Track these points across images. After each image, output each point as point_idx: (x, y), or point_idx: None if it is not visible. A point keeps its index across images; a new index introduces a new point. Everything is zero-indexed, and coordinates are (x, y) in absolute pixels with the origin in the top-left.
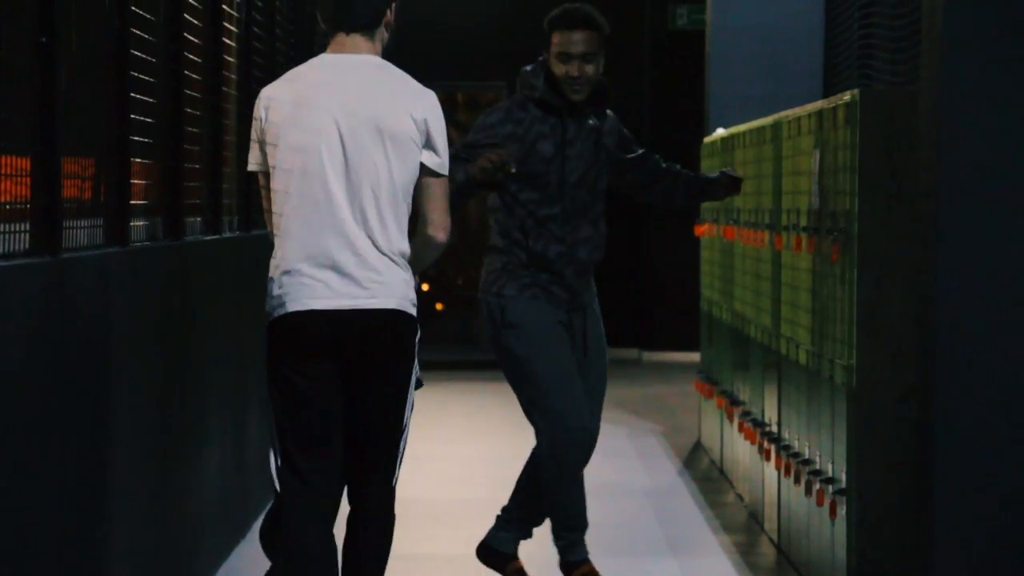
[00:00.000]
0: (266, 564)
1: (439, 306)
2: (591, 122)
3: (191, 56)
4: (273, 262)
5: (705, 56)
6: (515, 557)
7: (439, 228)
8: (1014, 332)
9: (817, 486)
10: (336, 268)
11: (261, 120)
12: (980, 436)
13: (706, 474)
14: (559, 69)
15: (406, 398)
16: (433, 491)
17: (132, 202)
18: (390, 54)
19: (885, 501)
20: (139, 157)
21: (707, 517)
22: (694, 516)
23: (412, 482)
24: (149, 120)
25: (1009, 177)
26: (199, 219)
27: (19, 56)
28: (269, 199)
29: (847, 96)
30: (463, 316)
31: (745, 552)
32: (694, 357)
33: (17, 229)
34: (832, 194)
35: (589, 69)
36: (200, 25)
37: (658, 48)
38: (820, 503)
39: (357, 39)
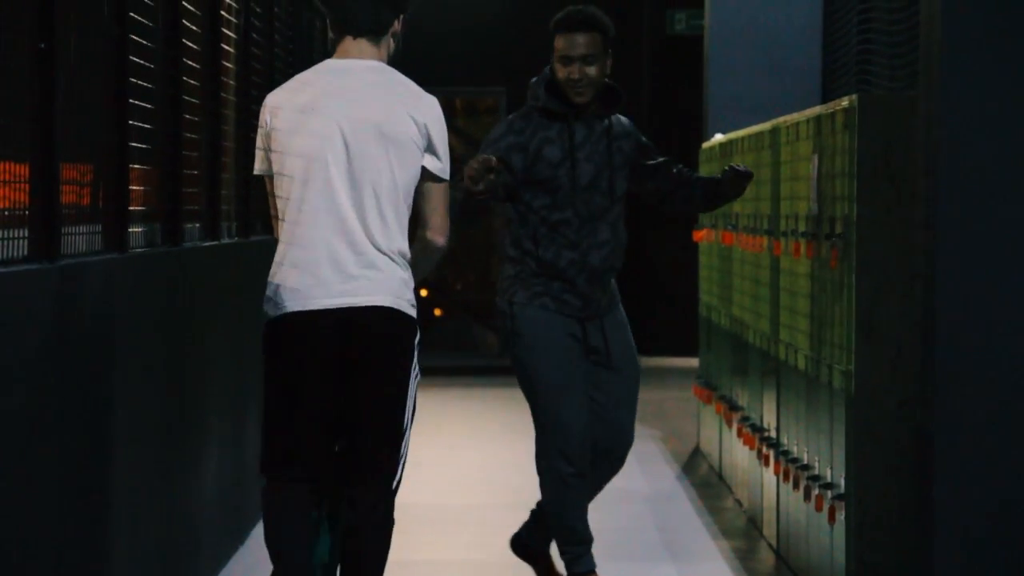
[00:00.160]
0: (265, 570)
1: (438, 312)
2: (602, 124)
3: (190, 62)
4: (274, 263)
5: (704, 61)
6: (545, 554)
7: (438, 232)
8: (1013, 337)
9: (816, 491)
10: (335, 269)
11: (266, 126)
12: (979, 442)
13: (705, 479)
14: (561, 72)
15: (405, 399)
16: (432, 497)
17: (131, 208)
18: (392, 59)
19: (884, 506)
20: (138, 163)
21: (706, 522)
22: (693, 521)
23: (411, 487)
24: (148, 126)
25: (1008, 182)
26: (198, 225)
27: (18, 62)
28: (275, 205)
29: (845, 101)
30: (462, 322)
31: (744, 558)
32: (693, 362)
33: (16, 235)
34: (831, 199)
35: (591, 71)
36: (199, 31)
37: (656, 53)
38: (819, 508)
39: (363, 44)
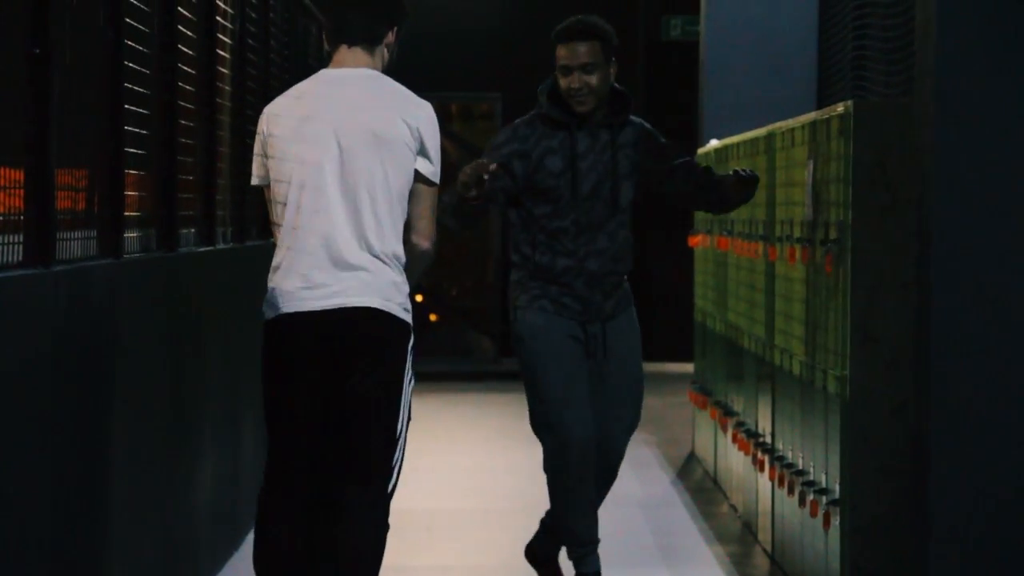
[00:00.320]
0: None
1: (433, 317)
2: (608, 133)
3: (185, 68)
4: (271, 267)
5: (699, 67)
6: (551, 561)
7: (423, 236)
8: (1008, 342)
9: (811, 497)
10: (327, 272)
11: (263, 134)
12: (973, 447)
13: (700, 484)
14: (563, 82)
15: (398, 402)
16: (426, 501)
17: (126, 213)
18: (389, 65)
19: (879, 512)
20: (133, 168)
21: (701, 528)
22: (687, 527)
23: (405, 492)
24: (143, 132)
25: (1002, 188)
26: (193, 230)
27: (13, 67)
28: (273, 211)
29: (840, 107)
30: (457, 327)
31: (739, 563)
32: (688, 368)
33: (10, 241)
34: (826, 205)
35: (591, 80)
36: (194, 37)
37: (652, 59)
38: (814, 514)
39: (358, 53)
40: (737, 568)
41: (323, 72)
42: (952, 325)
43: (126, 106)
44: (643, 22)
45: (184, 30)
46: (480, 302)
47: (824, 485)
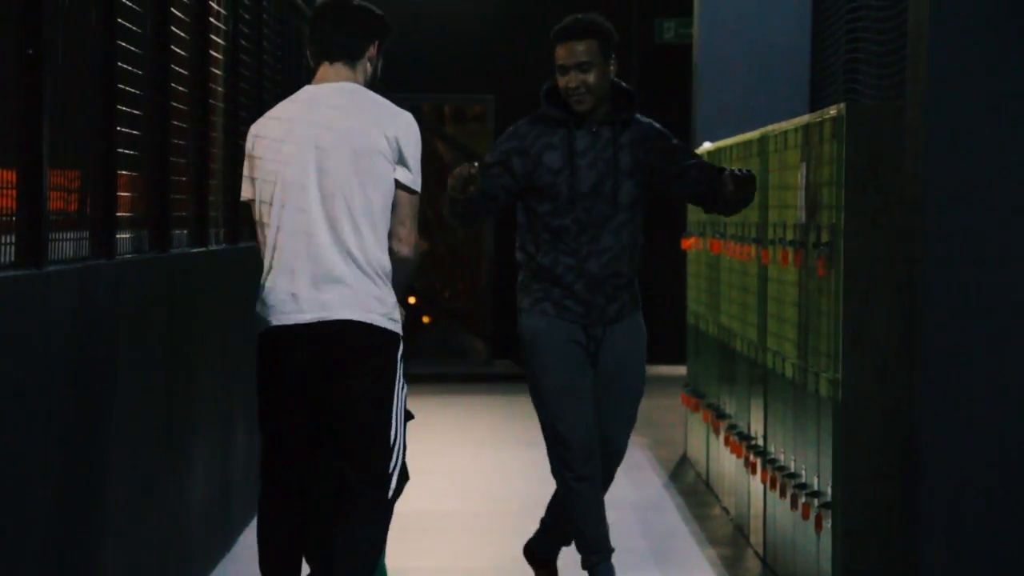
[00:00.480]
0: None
1: (426, 319)
2: (609, 131)
3: (178, 68)
4: (260, 284)
5: (692, 70)
6: (549, 563)
7: (403, 243)
8: (1000, 346)
9: (803, 499)
10: (310, 286)
11: (248, 155)
12: (965, 450)
13: (692, 487)
14: (561, 81)
15: (390, 409)
16: (418, 503)
17: (118, 214)
18: (380, 69)
19: (870, 514)
20: (126, 169)
21: (693, 530)
22: (680, 529)
23: None
24: (136, 132)
25: (994, 191)
26: (186, 231)
27: (5, 67)
28: (259, 231)
29: (833, 110)
30: (449, 329)
31: (731, 565)
32: (680, 370)
33: (2, 241)
34: (818, 208)
35: (587, 78)
36: (187, 37)
37: (645, 62)
38: (805, 516)
39: (339, 69)
40: (729, 571)
41: (305, 89)
42: (943, 328)
43: (119, 107)
44: (636, 25)
45: (177, 31)
46: (473, 304)
47: (816, 488)
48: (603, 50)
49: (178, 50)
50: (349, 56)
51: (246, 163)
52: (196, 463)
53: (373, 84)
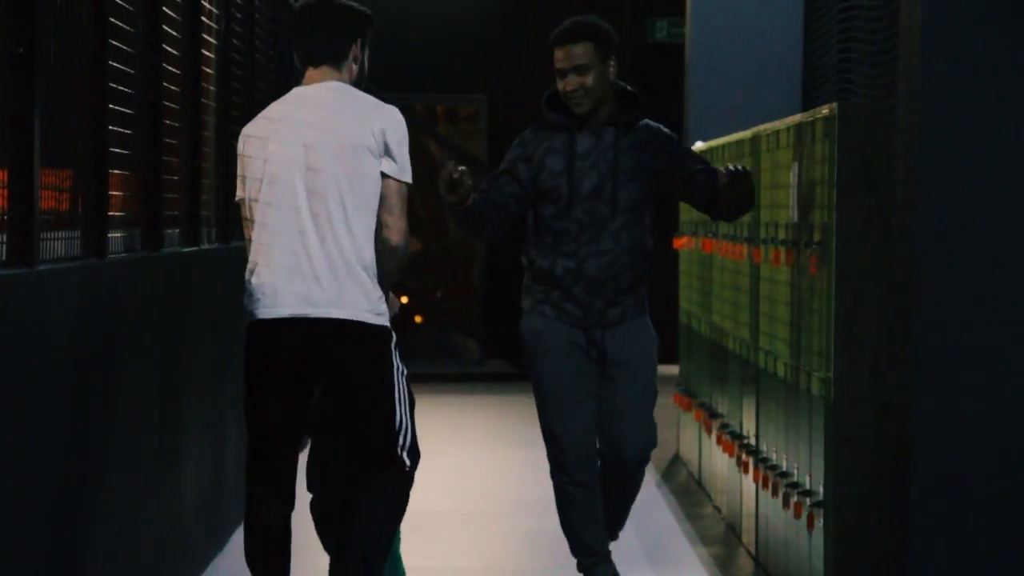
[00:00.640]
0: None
1: (418, 319)
2: (612, 133)
3: (170, 68)
4: (245, 279)
5: (684, 69)
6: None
7: (393, 232)
8: (991, 345)
9: (795, 498)
10: (298, 280)
11: (240, 155)
12: (957, 449)
13: (684, 486)
14: (559, 84)
15: (392, 396)
16: (412, 503)
17: (110, 213)
18: (372, 69)
19: (862, 513)
20: (117, 168)
21: (685, 529)
22: (672, 528)
23: None
24: (127, 132)
25: (986, 191)
26: (177, 231)
27: None
28: (246, 227)
29: (825, 110)
30: (442, 329)
31: (723, 564)
32: (672, 370)
33: None
34: (810, 207)
35: (586, 81)
36: (179, 37)
37: (637, 61)
38: (798, 515)
39: (325, 71)
40: (721, 570)
41: (293, 91)
42: (935, 327)
43: (111, 106)
44: (628, 24)
45: (169, 30)
46: (465, 304)
47: (808, 487)
48: (600, 52)
49: (170, 49)
50: (333, 59)
51: (238, 162)
52: (189, 461)
53: (361, 79)
